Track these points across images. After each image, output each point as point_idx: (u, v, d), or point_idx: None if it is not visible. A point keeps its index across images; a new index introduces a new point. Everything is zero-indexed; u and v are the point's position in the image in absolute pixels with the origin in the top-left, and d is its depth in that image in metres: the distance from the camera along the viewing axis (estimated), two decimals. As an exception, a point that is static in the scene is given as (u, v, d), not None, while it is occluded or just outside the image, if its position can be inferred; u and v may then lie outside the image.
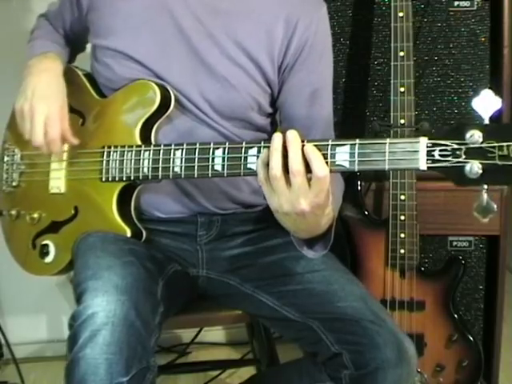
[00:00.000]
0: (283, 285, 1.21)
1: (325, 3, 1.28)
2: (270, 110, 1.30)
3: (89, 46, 1.44)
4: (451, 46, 1.63)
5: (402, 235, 1.56)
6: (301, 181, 0.93)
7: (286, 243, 1.26)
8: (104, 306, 0.97)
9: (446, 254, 1.69)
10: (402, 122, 1.50)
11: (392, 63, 1.51)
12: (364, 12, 1.65)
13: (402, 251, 1.57)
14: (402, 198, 1.54)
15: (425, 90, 1.65)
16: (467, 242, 1.68)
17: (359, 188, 1.62)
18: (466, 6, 1.61)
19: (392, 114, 1.52)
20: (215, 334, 2.22)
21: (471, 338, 1.59)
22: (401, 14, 1.50)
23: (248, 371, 1.73)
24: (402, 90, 1.51)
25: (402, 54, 1.50)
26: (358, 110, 1.70)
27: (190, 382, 1.97)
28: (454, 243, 1.69)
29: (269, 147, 0.96)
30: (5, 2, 1.86)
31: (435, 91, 1.65)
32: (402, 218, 1.55)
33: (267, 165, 0.95)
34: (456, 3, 1.61)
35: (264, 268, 1.26)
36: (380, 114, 1.69)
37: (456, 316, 1.58)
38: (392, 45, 1.51)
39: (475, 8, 1.61)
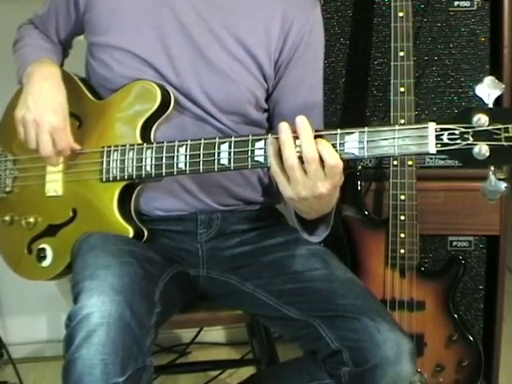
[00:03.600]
0: (283, 283, 1.21)
1: (319, 2, 1.31)
2: (265, 106, 1.32)
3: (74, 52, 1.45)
4: (451, 46, 1.63)
5: (402, 235, 1.56)
6: (316, 168, 0.94)
7: (286, 242, 1.27)
8: (99, 306, 0.97)
9: (446, 254, 1.69)
10: (402, 122, 1.50)
11: (392, 63, 1.51)
12: (364, 12, 1.66)
13: (402, 251, 1.57)
14: (402, 197, 1.54)
15: (425, 90, 1.65)
16: (467, 242, 1.68)
17: (359, 188, 1.63)
18: (466, 6, 1.61)
19: (392, 113, 1.52)
20: (215, 333, 2.22)
21: (471, 338, 1.59)
22: (401, 14, 1.50)
23: (248, 371, 1.72)
24: (402, 89, 1.51)
25: (401, 54, 1.50)
26: (357, 110, 1.70)
27: (190, 382, 1.97)
28: (454, 243, 1.69)
29: (277, 138, 0.97)
30: (5, 2, 1.86)
31: (435, 91, 1.65)
32: (402, 217, 1.55)
33: (279, 156, 0.95)
34: (456, 3, 1.61)
35: (264, 267, 1.26)
36: (380, 114, 1.69)
37: (456, 316, 1.58)
38: (392, 45, 1.51)
39: (475, 8, 1.61)
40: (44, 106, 1.19)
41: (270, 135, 1.02)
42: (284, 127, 0.96)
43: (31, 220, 1.31)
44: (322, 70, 1.33)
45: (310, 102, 1.30)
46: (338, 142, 0.96)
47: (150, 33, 1.23)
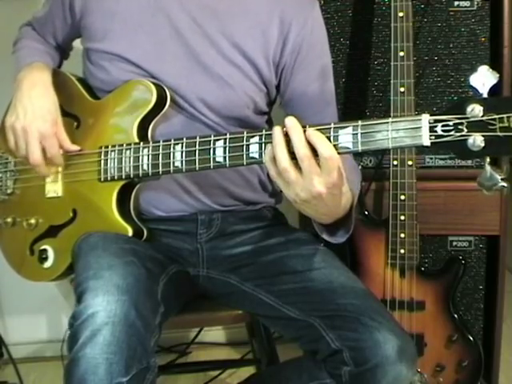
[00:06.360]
0: (283, 283, 1.21)
1: (317, 1, 1.30)
2: (265, 109, 1.32)
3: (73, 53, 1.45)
4: (451, 46, 1.63)
5: (402, 235, 1.56)
6: (309, 164, 0.93)
7: (286, 242, 1.27)
8: (104, 305, 0.97)
9: (446, 254, 1.69)
10: (402, 121, 1.50)
11: (392, 63, 1.51)
12: (364, 12, 1.66)
13: (402, 251, 1.57)
14: (402, 197, 1.54)
15: (425, 90, 1.65)
16: (467, 242, 1.68)
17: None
18: (466, 6, 1.61)
19: (392, 114, 1.52)
20: (215, 333, 2.22)
21: (471, 338, 1.59)
22: (401, 14, 1.50)
23: (248, 371, 1.72)
24: (402, 89, 1.51)
25: (401, 54, 1.50)
26: (358, 110, 1.70)
27: (189, 382, 1.97)
28: (454, 243, 1.69)
29: (271, 135, 0.97)
30: (5, 2, 1.86)
31: (435, 91, 1.66)
32: (402, 218, 1.55)
33: (275, 159, 0.96)
34: (456, 3, 1.61)
35: (264, 267, 1.26)
36: (380, 114, 1.69)
37: (456, 316, 1.59)
38: (392, 45, 1.51)
39: (475, 8, 1.61)
40: (33, 114, 1.20)
41: (264, 131, 1.02)
42: (276, 131, 0.96)
43: (32, 221, 1.31)
44: (331, 66, 1.31)
45: (321, 101, 1.29)
46: (331, 135, 0.96)
47: (145, 40, 1.23)
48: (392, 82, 1.52)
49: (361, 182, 1.30)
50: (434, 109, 1.66)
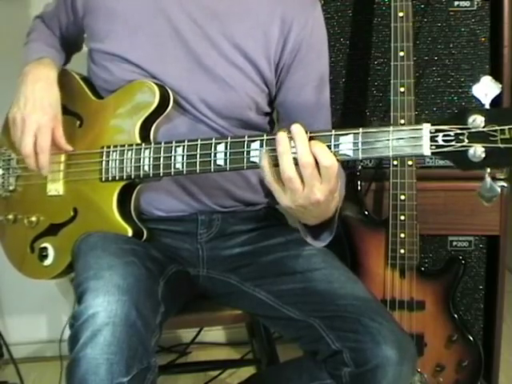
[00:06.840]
0: (283, 283, 1.21)
1: (319, 2, 1.30)
2: (267, 110, 1.32)
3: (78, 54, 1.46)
4: (451, 45, 1.63)
5: (402, 235, 1.56)
6: (312, 172, 0.94)
7: (286, 242, 1.27)
8: (105, 306, 0.97)
9: (446, 253, 1.69)
10: (402, 122, 1.50)
11: (392, 63, 1.51)
12: (364, 12, 1.65)
13: (402, 251, 1.57)
14: (402, 197, 1.54)
15: (425, 90, 1.65)
16: (467, 242, 1.68)
17: (359, 188, 1.63)
18: (466, 6, 1.61)
19: (392, 114, 1.52)
20: (215, 334, 2.22)
21: (471, 338, 1.59)
22: (401, 14, 1.50)
23: (248, 371, 1.72)
24: (402, 90, 1.51)
25: (401, 54, 1.50)
26: (357, 110, 1.70)
27: (189, 382, 1.97)
28: (454, 243, 1.69)
29: (272, 139, 0.97)
30: (5, 1, 1.86)
31: (435, 91, 1.65)
32: (402, 218, 1.55)
33: (272, 167, 0.96)
34: (456, 3, 1.61)
35: (264, 267, 1.26)
36: (380, 114, 1.69)
37: (456, 316, 1.58)
38: (392, 45, 1.51)
39: (475, 8, 1.61)
40: (33, 106, 1.21)
41: (265, 135, 1.02)
42: (281, 138, 0.96)
43: (33, 219, 1.31)
44: (328, 69, 1.32)
45: (315, 103, 1.29)
46: (332, 143, 0.96)
47: (146, 41, 1.23)
48: (392, 81, 1.51)
49: (345, 184, 1.29)
50: (434, 109, 1.66)
